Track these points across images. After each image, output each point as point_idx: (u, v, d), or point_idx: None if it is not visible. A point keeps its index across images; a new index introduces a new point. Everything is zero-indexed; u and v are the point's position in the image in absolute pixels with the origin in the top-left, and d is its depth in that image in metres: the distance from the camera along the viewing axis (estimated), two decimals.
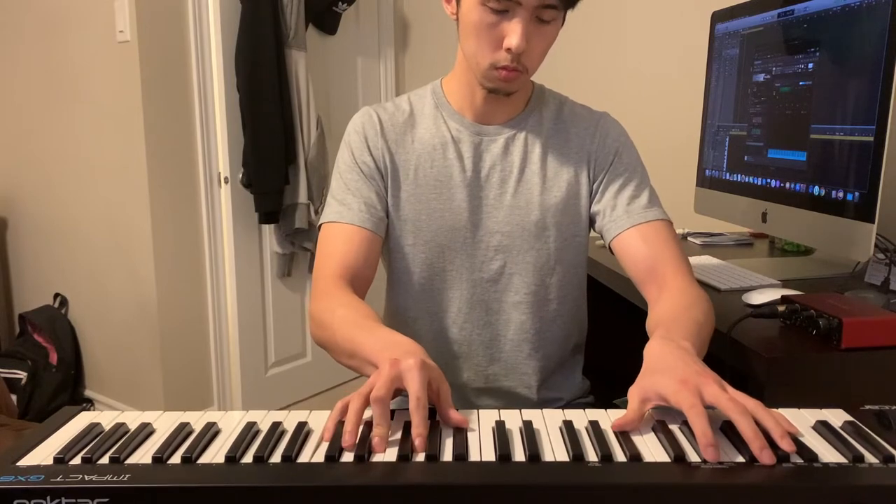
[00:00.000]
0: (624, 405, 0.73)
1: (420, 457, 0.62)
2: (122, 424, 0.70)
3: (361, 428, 0.67)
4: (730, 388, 0.69)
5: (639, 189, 1.08)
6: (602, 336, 1.38)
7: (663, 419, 0.68)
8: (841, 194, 1.22)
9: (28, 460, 0.63)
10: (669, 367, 0.72)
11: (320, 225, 1.09)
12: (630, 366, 0.86)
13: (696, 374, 0.69)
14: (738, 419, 0.63)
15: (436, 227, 1.09)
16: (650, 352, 0.78)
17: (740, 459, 0.61)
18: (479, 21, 0.96)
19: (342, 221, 1.05)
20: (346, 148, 1.11)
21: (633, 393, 0.71)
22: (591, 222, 1.12)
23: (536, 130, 1.10)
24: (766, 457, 0.60)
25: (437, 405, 0.73)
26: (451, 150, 1.09)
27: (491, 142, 1.09)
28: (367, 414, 0.69)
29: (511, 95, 1.05)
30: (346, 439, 0.64)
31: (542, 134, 1.10)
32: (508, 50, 0.95)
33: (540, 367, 1.13)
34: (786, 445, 0.61)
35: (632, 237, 1.04)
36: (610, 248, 1.09)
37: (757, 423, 0.63)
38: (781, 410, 0.71)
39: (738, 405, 0.65)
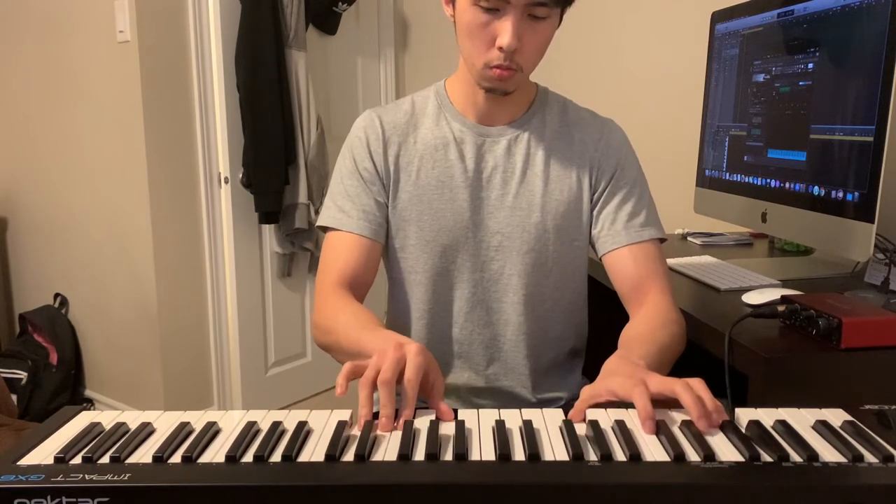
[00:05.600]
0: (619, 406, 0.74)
1: (420, 456, 0.62)
2: (123, 424, 0.70)
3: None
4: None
5: (638, 205, 1.10)
6: (603, 337, 1.38)
7: (663, 419, 0.69)
8: (841, 194, 1.22)
9: (28, 460, 0.63)
10: (620, 373, 0.78)
11: (318, 225, 1.11)
12: None
13: (644, 373, 0.77)
14: (681, 391, 0.70)
15: (438, 227, 1.09)
16: (607, 366, 0.84)
17: (740, 459, 0.61)
18: (472, 21, 0.97)
19: (342, 229, 1.07)
20: (349, 152, 1.11)
21: (585, 390, 0.77)
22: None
23: (540, 132, 1.10)
24: (702, 424, 0.66)
25: (429, 397, 0.77)
26: (453, 151, 1.09)
27: (494, 143, 1.09)
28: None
29: (510, 95, 1.05)
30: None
31: (545, 136, 1.10)
32: (500, 48, 0.96)
33: (533, 368, 1.14)
34: (712, 420, 0.67)
35: (624, 255, 1.07)
36: (600, 259, 1.11)
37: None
38: (781, 410, 0.72)
39: (680, 380, 0.71)
